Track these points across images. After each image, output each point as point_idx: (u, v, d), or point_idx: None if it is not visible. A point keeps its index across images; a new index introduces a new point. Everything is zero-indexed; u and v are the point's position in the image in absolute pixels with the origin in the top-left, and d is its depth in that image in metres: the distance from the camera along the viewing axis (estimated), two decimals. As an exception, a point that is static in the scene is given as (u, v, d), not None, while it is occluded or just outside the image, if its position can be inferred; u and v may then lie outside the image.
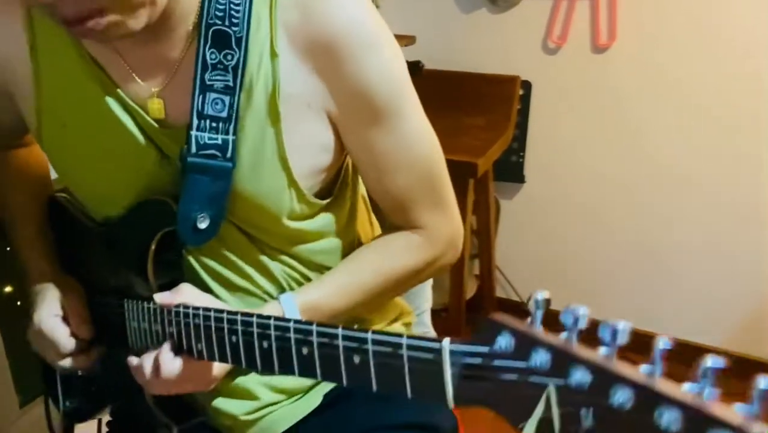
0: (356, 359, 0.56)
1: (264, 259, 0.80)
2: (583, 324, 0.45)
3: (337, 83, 0.71)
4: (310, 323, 0.60)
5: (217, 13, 0.68)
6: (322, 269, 0.83)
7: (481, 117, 2.09)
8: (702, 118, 1.94)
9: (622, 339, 0.45)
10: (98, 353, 0.83)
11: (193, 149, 0.69)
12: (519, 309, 2.37)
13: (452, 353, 0.50)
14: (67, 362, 0.81)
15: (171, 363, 0.71)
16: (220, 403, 0.83)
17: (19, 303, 1.54)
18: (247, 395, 0.83)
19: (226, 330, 0.66)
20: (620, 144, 2.07)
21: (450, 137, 2.10)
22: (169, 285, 0.75)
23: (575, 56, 2.04)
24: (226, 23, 0.69)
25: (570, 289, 2.25)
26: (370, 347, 0.55)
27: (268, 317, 0.63)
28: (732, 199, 1.97)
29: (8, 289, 1.61)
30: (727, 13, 1.83)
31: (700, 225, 2.02)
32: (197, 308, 0.69)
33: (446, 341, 0.50)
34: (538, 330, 0.46)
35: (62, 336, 0.80)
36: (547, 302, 0.47)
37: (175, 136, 0.73)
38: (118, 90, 0.73)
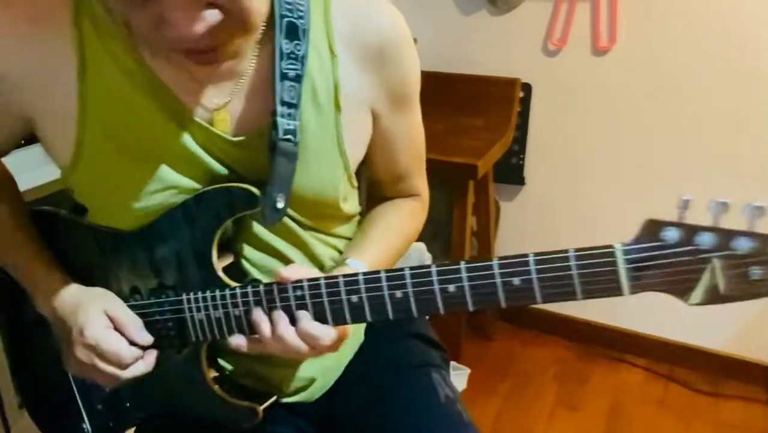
0: (516, 281, 0.64)
1: (312, 243, 0.85)
2: (723, 210, 0.60)
3: (384, 81, 0.81)
4: (457, 263, 0.66)
5: (286, 5, 0.74)
6: (345, 240, 0.92)
7: (481, 119, 2.09)
8: (702, 121, 1.95)
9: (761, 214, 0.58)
10: (154, 356, 0.80)
11: (280, 134, 0.73)
12: (519, 311, 2.37)
13: (625, 252, 0.61)
14: (129, 373, 0.78)
15: (326, 331, 0.73)
16: (309, 371, 0.88)
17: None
18: None
19: (343, 292, 0.71)
20: (620, 146, 2.07)
21: (450, 139, 2.10)
22: (229, 268, 0.78)
23: (575, 58, 2.04)
24: (295, 15, 0.75)
25: (570, 291, 2.25)
26: (532, 267, 0.63)
27: (401, 269, 0.69)
28: (734, 200, 1.97)
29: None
30: (727, 15, 1.83)
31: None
32: (298, 281, 0.73)
33: (618, 243, 0.61)
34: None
35: (123, 347, 0.77)
36: (688, 202, 0.61)
37: (241, 144, 0.76)
38: (183, 106, 0.74)
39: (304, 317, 0.72)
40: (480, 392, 2.07)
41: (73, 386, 0.89)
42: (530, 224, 2.29)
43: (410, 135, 0.90)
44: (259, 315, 0.74)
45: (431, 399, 0.88)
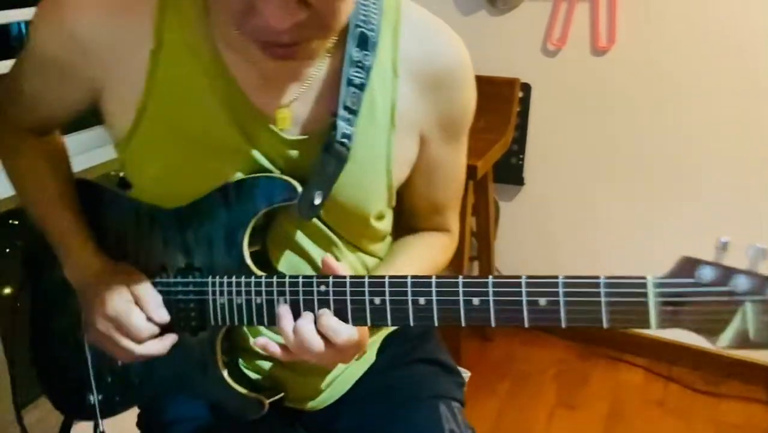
0: (542, 302, 0.64)
1: (342, 251, 0.86)
2: (765, 256, 0.58)
3: (438, 108, 0.83)
4: (485, 276, 0.66)
5: (362, 16, 0.76)
6: (374, 258, 0.93)
7: (481, 119, 2.07)
8: (701, 121, 1.95)
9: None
10: (171, 339, 0.82)
11: (338, 136, 0.75)
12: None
13: (657, 285, 0.60)
14: (143, 349, 0.79)
15: (346, 328, 0.72)
16: (318, 380, 0.89)
17: (19, 304, 1.54)
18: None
19: (367, 293, 0.71)
20: (619, 146, 2.07)
21: (450, 139, 2.10)
22: (254, 257, 0.79)
23: (575, 59, 2.04)
24: (368, 27, 0.77)
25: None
26: (560, 289, 0.63)
27: (428, 277, 0.69)
28: (733, 202, 1.97)
29: (8, 290, 1.61)
30: (725, 15, 1.84)
31: (699, 228, 2.02)
32: (325, 276, 0.73)
33: (650, 276, 0.60)
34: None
35: (141, 322, 0.79)
36: (727, 244, 0.59)
37: (296, 144, 0.78)
38: (247, 99, 0.76)
39: (325, 313, 0.73)
40: (480, 392, 2.07)
41: (88, 356, 0.90)
42: (530, 224, 2.29)
43: (454, 167, 0.91)
44: (283, 309, 0.74)
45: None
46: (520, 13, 2.07)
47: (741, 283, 0.58)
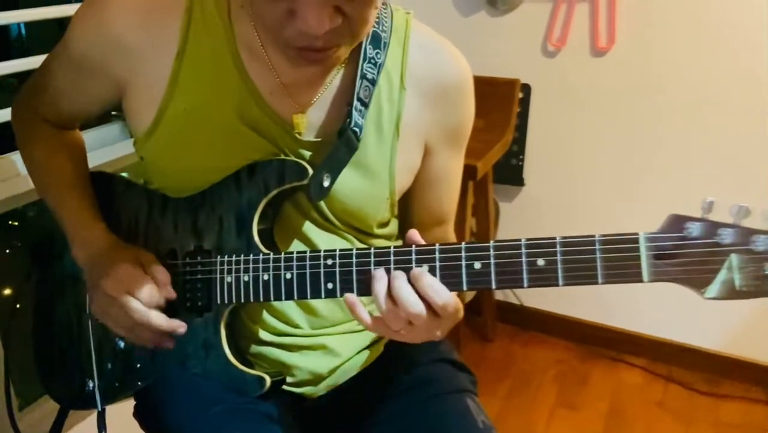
0: (541, 262, 0.67)
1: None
2: (746, 214, 0.61)
3: (443, 119, 0.87)
4: (486, 241, 0.69)
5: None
6: None
7: (481, 120, 2.08)
8: (701, 122, 1.95)
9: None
10: (178, 324, 0.82)
11: (352, 124, 0.79)
12: (518, 312, 2.37)
13: (649, 239, 0.63)
14: (150, 317, 0.79)
15: (447, 291, 0.70)
16: (318, 365, 0.90)
17: (18, 306, 1.54)
18: (331, 352, 0.91)
19: (372, 264, 0.72)
20: (619, 147, 2.07)
21: (449, 140, 2.10)
22: (264, 235, 0.82)
23: (574, 59, 2.04)
24: (380, 28, 0.82)
25: (569, 292, 2.25)
26: (558, 249, 0.66)
27: (432, 245, 0.71)
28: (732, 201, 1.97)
29: (8, 291, 1.61)
30: (726, 17, 1.84)
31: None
32: (331, 250, 0.75)
33: (642, 232, 0.63)
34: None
35: (149, 287, 0.80)
36: (712, 204, 0.62)
37: (310, 145, 0.82)
38: (266, 103, 0.81)
39: (423, 272, 0.69)
40: (480, 392, 2.07)
41: (91, 342, 0.91)
42: (529, 226, 2.29)
43: (455, 178, 0.95)
44: (379, 272, 0.71)
45: (469, 426, 0.89)
46: (520, 14, 2.07)
47: (726, 235, 0.61)
